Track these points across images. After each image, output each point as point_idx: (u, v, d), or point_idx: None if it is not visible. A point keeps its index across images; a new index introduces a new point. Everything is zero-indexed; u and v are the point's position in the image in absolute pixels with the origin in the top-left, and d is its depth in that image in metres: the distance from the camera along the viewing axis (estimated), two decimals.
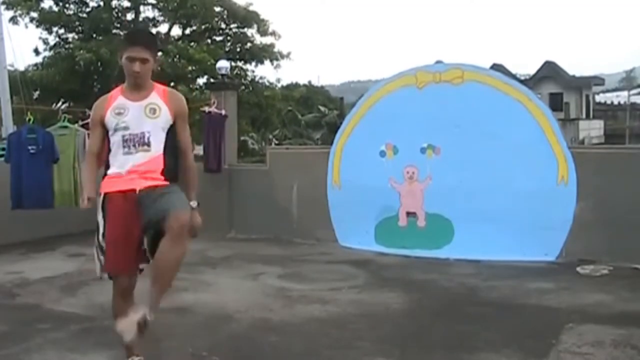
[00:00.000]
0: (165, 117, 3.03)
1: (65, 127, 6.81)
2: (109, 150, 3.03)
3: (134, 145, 2.97)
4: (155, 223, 2.81)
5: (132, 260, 2.94)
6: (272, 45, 19.35)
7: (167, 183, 2.97)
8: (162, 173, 2.98)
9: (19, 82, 11.43)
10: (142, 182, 2.93)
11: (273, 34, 19.34)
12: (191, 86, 17.78)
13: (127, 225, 2.90)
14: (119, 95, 3.07)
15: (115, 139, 2.99)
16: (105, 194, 2.98)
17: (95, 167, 3.11)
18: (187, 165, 3.12)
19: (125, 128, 2.97)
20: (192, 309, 4.19)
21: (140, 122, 2.98)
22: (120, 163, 2.97)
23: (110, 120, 3.00)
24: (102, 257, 2.99)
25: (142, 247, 2.93)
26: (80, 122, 7.32)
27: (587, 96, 32.01)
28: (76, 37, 17.62)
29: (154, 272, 2.84)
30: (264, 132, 23.00)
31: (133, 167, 2.95)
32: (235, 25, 19.09)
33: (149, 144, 2.97)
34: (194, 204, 3.02)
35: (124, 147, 2.97)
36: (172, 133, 3.05)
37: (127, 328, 2.68)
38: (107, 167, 3.04)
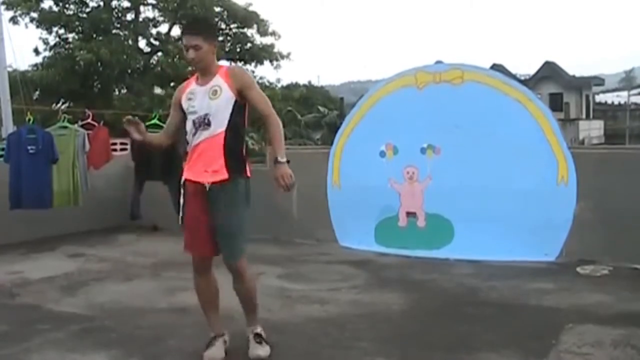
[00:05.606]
0: (225, 96, 3.22)
1: (65, 127, 6.82)
2: (186, 132, 3.35)
3: (200, 126, 3.24)
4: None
5: (205, 245, 3.27)
6: (272, 46, 19.41)
7: (228, 177, 3.20)
8: (225, 155, 3.20)
9: (19, 82, 11.42)
10: (211, 177, 3.20)
11: (273, 34, 19.41)
12: None
13: (198, 217, 3.25)
14: (193, 81, 3.36)
15: (188, 122, 3.32)
16: (185, 179, 3.31)
17: (160, 139, 3.56)
18: (269, 122, 3.29)
19: (194, 112, 3.26)
20: (192, 309, 4.16)
21: (204, 104, 3.24)
22: (191, 143, 3.30)
23: (184, 104, 3.33)
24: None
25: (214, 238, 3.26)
26: (80, 122, 7.33)
27: (587, 96, 32.07)
28: (76, 37, 17.65)
29: (240, 302, 3.48)
30: (264, 133, 22.99)
31: (196, 144, 3.25)
32: (235, 25, 19.13)
33: (209, 124, 3.22)
34: (282, 159, 3.25)
35: (192, 128, 3.27)
36: (238, 108, 3.25)
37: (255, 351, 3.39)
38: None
